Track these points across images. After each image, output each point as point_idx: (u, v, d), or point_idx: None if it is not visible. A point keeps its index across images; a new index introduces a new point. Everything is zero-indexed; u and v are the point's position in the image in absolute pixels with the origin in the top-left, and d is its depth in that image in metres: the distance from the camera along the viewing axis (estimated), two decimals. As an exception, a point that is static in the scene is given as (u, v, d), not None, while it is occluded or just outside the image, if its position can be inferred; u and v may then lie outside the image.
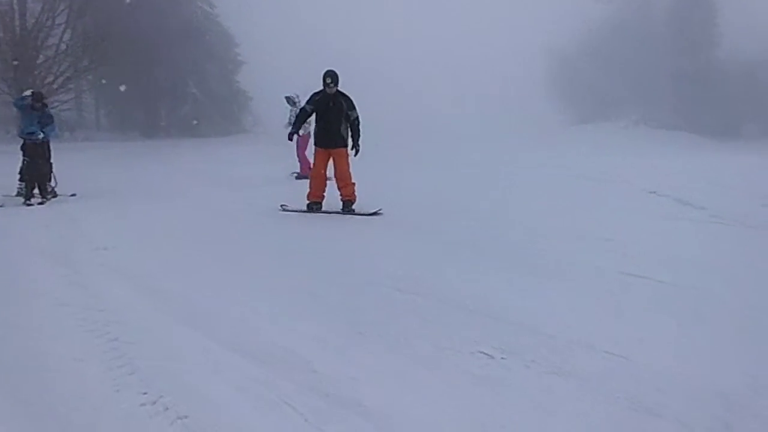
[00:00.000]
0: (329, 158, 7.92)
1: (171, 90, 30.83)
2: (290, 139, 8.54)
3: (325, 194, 8.04)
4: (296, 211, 7.94)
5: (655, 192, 8.87)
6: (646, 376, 3.38)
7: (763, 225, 6.94)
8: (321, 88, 7.82)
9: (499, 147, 19.26)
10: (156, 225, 7.56)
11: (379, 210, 7.61)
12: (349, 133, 7.91)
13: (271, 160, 14.41)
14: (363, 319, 4.12)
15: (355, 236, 6.79)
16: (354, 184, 7.87)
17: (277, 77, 32.16)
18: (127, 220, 7.88)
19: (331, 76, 7.72)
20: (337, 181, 7.91)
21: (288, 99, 12.80)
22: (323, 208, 7.99)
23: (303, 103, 8.22)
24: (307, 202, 7.95)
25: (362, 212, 7.66)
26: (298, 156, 12.37)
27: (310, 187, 7.99)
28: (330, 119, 7.79)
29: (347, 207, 7.83)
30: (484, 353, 3.53)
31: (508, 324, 4.02)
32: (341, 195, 7.89)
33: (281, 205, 8.05)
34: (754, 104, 29.10)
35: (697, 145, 23.86)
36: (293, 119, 12.53)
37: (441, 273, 5.21)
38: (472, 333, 3.85)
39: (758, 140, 25.67)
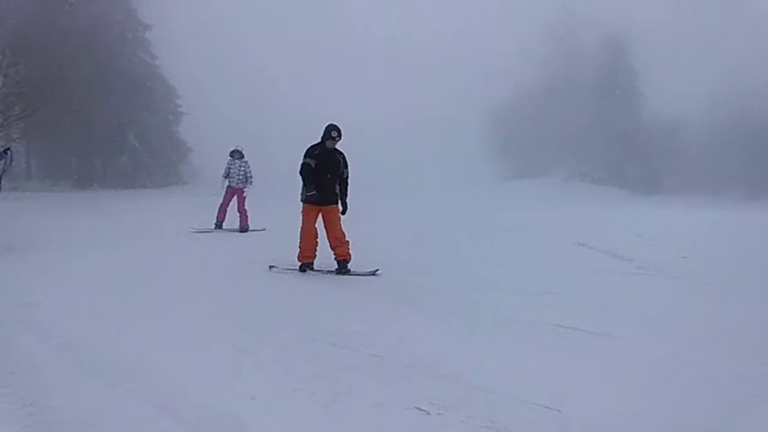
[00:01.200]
0: (318, 215, 7.43)
1: (108, 140, 30.21)
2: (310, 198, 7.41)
3: (317, 253, 7.52)
4: (285, 271, 7.40)
5: (584, 244, 9.22)
6: (578, 428, 3.44)
7: (683, 275, 7.30)
8: (318, 141, 7.39)
9: (440, 203, 19.65)
10: (85, 279, 7.25)
11: (377, 270, 7.23)
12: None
13: (205, 211, 14.15)
14: (297, 376, 4.04)
15: (294, 291, 6.72)
16: (348, 242, 7.38)
17: (219, 128, 32.09)
18: (56, 275, 7.53)
19: (337, 130, 7.29)
20: (330, 241, 7.40)
21: (235, 152, 12.65)
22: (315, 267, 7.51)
23: (304, 160, 7.37)
24: (300, 263, 7.43)
25: (359, 272, 7.23)
26: (239, 209, 12.26)
27: (302, 247, 7.40)
28: (328, 176, 7.33)
29: (343, 267, 7.33)
30: (421, 409, 3.51)
31: (444, 379, 4.03)
32: (336, 255, 7.39)
33: (270, 267, 7.47)
34: (675, 161, 31.18)
35: (624, 198, 25.10)
36: (230, 172, 12.51)
37: (380, 328, 5.20)
38: (408, 388, 3.83)
39: (679, 193, 27.41)
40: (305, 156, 7.35)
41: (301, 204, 7.46)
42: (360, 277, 7.15)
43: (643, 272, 7.57)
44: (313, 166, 7.25)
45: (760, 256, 8.91)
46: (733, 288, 7.05)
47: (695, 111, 32.01)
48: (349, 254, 7.36)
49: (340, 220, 7.39)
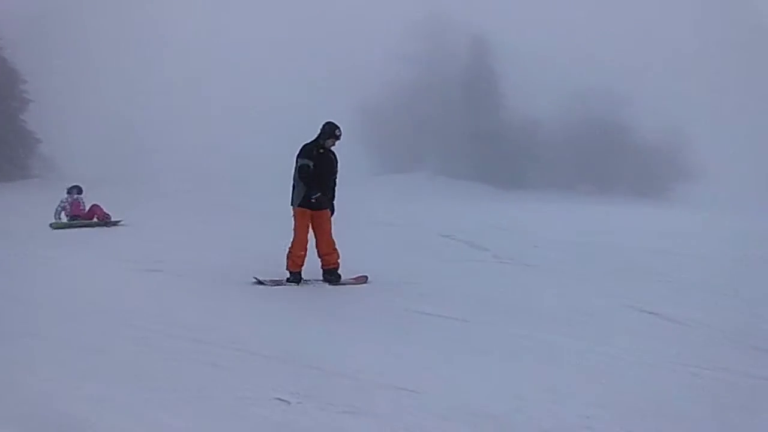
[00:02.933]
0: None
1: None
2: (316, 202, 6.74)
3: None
4: (273, 283, 6.64)
5: (449, 236, 9.70)
6: (434, 406, 3.63)
7: (535, 264, 7.92)
8: (313, 140, 6.77)
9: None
10: None
11: (365, 276, 6.91)
12: None
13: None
14: (155, 374, 3.90)
15: (144, 289, 6.43)
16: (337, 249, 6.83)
17: (73, 118, 29.75)
18: None
19: (340, 130, 6.76)
20: (321, 248, 6.77)
21: (74, 188, 11.82)
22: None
23: (301, 161, 6.67)
24: (290, 272, 6.73)
25: (349, 280, 6.80)
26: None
27: (294, 254, 6.68)
28: (326, 178, 6.78)
29: (333, 275, 6.77)
30: (281, 399, 3.52)
31: (307, 368, 4.07)
32: (325, 263, 6.76)
33: (255, 278, 6.66)
34: (534, 158, 33.55)
35: (487, 193, 26.59)
36: (64, 208, 11.50)
37: (237, 321, 5.13)
38: (270, 380, 3.83)
39: (539, 189, 29.63)
40: (302, 157, 6.66)
41: (291, 208, 6.82)
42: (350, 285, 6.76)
43: (499, 261, 8.11)
44: (312, 167, 6.61)
45: (602, 244, 9.82)
46: (578, 272, 7.75)
47: (552, 112, 34.66)
48: (338, 261, 6.82)
49: (331, 226, 6.83)
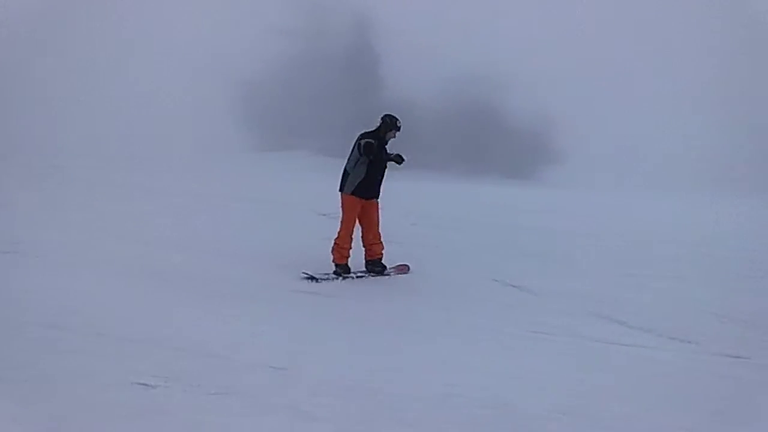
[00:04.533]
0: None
1: None
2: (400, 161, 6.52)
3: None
4: (323, 278, 6.31)
5: (325, 214, 9.72)
6: (304, 382, 3.69)
7: (411, 241, 8.18)
8: (373, 129, 6.48)
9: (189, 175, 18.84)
10: None
11: (406, 265, 6.79)
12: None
13: None
14: (6, 364, 3.62)
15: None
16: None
17: None
18: None
19: (401, 121, 6.55)
20: (368, 238, 6.61)
21: None
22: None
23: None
24: (337, 264, 6.46)
25: (391, 270, 6.69)
26: None
27: (341, 245, 6.46)
28: (382, 168, 6.53)
29: (378, 266, 6.63)
30: (144, 384, 3.41)
31: (174, 350, 3.97)
32: (372, 253, 6.62)
33: (304, 273, 6.25)
34: (414, 140, 34.21)
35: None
36: None
37: (101, 305, 4.87)
38: (134, 364, 3.69)
39: (417, 169, 30.35)
40: (368, 137, 6.39)
41: (340, 195, 6.58)
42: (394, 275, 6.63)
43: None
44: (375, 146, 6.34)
45: (474, 222, 10.23)
46: (451, 248, 8.09)
47: (430, 94, 35.57)
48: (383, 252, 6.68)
49: (379, 215, 6.67)
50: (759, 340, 5.14)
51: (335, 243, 6.44)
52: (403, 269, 6.81)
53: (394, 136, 6.54)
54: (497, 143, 36.84)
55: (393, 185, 15.33)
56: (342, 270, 6.41)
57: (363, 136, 6.47)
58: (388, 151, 6.50)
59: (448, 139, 35.02)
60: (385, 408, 3.41)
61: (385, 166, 6.52)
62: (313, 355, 4.20)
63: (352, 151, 6.56)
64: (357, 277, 6.50)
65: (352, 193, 6.46)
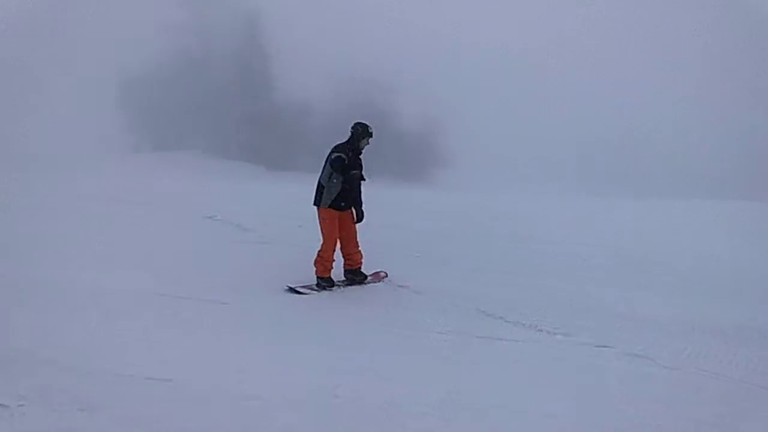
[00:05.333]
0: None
1: None
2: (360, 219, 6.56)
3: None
4: (306, 290, 6.22)
5: (213, 217, 9.46)
6: (187, 393, 3.55)
7: (300, 243, 8.12)
8: (346, 140, 6.46)
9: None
10: None
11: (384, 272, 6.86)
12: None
13: None
14: None
15: None
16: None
17: None
18: None
19: (372, 127, 6.53)
20: (348, 248, 6.61)
21: None
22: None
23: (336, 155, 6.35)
24: (321, 278, 6.42)
25: (370, 276, 6.74)
26: None
27: (325, 258, 6.43)
28: (357, 180, 6.51)
29: (358, 275, 6.67)
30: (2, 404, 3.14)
31: (40, 365, 3.69)
32: (350, 263, 6.66)
33: (288, 287, 6.18)
34: (305, 142, 34.07)
35: (257, 175, 26.39)
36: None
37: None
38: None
39: (309, 171, 30.18)
40: (338, 150, 6.36)
41: (316, 209, 6.47)
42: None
43: (264, 242, 8.16)
44: (346, 161, 6.32)
45: (363, 224, 10.31)
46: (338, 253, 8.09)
47: (322, 96, 35.45)
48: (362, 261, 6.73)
49: (356, 226, 6.62)
50: (623, 330, 5.55)
51: (319, 256, 6.44)
52: (381, 276, 6.88)
53: (368, 143, 6.55)
54: (389, 146, 37.40)
55: (283, 188, 15.16)
56: (326, 282, 6.42)
57: (336, 148, 6.46)
58: (361, 162, 6.54)
59: (339, 141, 35.08)
60: (266, 412, 3.36)
61: (362, 178, 6.56)
62: (198, 363, 4.06)
63: (325, 164, 6.51)
64: (341, 287, 6.52)
65: (330, 207, 6.42)
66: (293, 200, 12.09)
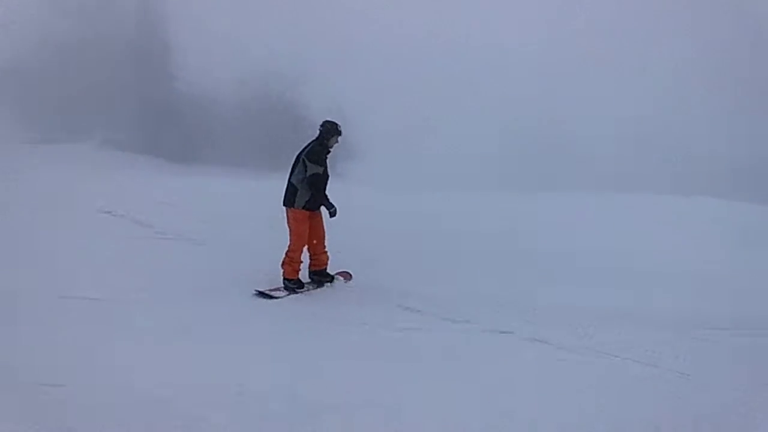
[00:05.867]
0: None
1: None
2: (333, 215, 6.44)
3: None
4: (278, 294, 6.11)
5: (110, 212, 8.96)
6: (80, 402, 3.36)
7: (203, 239, 7.86)
8: (316, 139, 6.44)
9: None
10: None
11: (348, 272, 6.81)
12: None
13: None
14: None
15: None
16: None
17: None
18: None
19: (340, 125, 6.53)
20: (316, 247, 6.53)
21: None
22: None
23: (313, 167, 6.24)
24: (289, 279, 6.31)
25: (337, 275, 6.72)
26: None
27: (296, 259, 6.34)
28: (327, 182, 6.49)
29: (325, 276, 6.60)
30: None
31: None
32: (317, 264, 6.57)
33: (257, 291, 6.06)
34: (210, 134, 32.99)
35: (159, 168, 25.23)
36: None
37: None
38: None
39: (214, 164, 29.26)
40: (315, 163, 6.27)
41: (286, 210, 6.36)
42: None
43: (165, 237, 7.84)
44: (322, 174, 6.31)
45: (273, 218, 10.02)
46: (250, 247, 7.82)
47: (228, 88, 34.51)
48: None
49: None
50: (524, 318, 5.80)
51: (287, 257, 6.33)
52: (346, 276, 6.79)
53: (337, 141, 6.56)
54: (296, 139, 36.87)
55: (186, 182, 14.62)
56: (295, 285, 6.33)
57: (312, 150, 6.36)
58: (327, 160, 6.48)
59: (245, 134, 34.27)
60: (175, 410, 3.25)
61: (328, 176, 6.48)
62: (91, 367, 3.85)
63: (296, 164, 6.39)
64: (310, 289, 6.43)
65: (303, 208, 6.37)
66: (195, 195, 11.69)
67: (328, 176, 6.44)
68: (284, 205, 6.40)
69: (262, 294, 6.04)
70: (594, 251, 9.15)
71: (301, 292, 6.32)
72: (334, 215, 6.41)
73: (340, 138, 6.56)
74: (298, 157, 6.43)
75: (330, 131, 6.45)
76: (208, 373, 3.90)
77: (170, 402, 3.43)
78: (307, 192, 6.31)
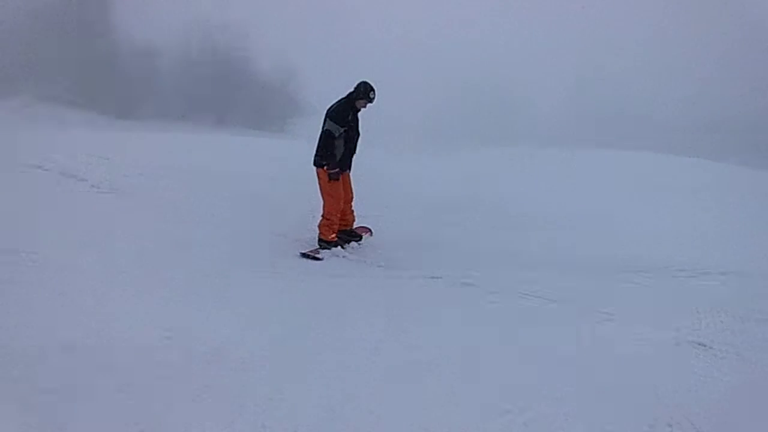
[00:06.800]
0: None
1: None
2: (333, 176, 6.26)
3: None
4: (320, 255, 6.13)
5: (40, 166, 8.66)
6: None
7: (135, 193, 7.72)
8: (344, 98, 6.21)
9: None
10: None
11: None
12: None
13: None
14: None
15: None
16: None
17: None
18: None
19: (375, 92, 6.18)
20: (345, 207, 6.53)
21: None
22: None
23: (331, 125, 6.09)
24: (327, 242, 6.33)
25: (360, 229, 6.87)
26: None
27: (333, 220, 6.33)
28: (354, 142, 6.40)
29: (354, 234, 6.67)
30: None
31: None
32: (346, 223, 6.61)
33: (301, 253, 6.11)
34: (149, 88, 31.89)
35: (96, 122, 24.39)
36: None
37: None
38: None
39: (155, 118, 28.39)
40: (334, 120, 6.09)
41: (316, 170, 6.27)
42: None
43: (97, 190, 7.67)
44: (337, 135, 6.10)
45: (216, 173, 9.84)
46: (188, 201, 7.74)
47: (169, 39, 33.15)
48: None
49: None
50: (454, 264, 6.02)
51: (324, 218, 6.31)
52: (367, 231, 6.86)
53: (365, 106, 6.29)
54: (243, 94, 36.19)
55: (125, 135, 14.17)
56: (336, 245, 6.33)
57: (337, 109, 6.19)
58: (358, 120, 6.36)
59: (191, 88, 33.32)
60: (100, 362, 3.28)
61: (359, 135, 6.39)
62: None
63: (324, 122, 6.23)
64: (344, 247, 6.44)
65: (340, 169, 6.32)
66: (134, 149, 11.37)
67: (347, 137, 6.26)
68: (314, 165, 6.30)
69: (305, 255, 6.07)
70: (517, 199, 9.46)
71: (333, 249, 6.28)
72: (332, 178, 6.21)
73: (369, 104, 6.29)
74: (325, 117, 6.29)
75: (360, 93, 6.19)
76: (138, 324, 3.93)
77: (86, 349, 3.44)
78: (339, 151, 6.23)
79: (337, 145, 6.20)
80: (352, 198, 6.62)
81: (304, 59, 36.84)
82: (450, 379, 3.57)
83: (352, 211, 6.67)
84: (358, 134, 6.45)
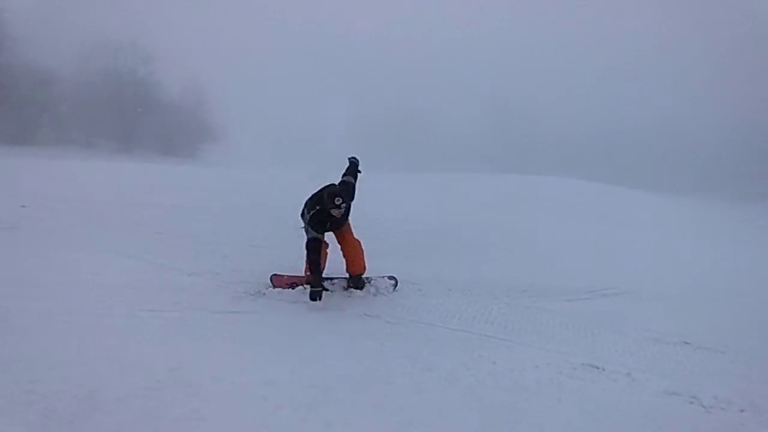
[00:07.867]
0: None
1: None
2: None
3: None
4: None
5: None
6: None
7: (15, 226, 7.17)
8: (317, 206, 5.85)
9: None
10: None
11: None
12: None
13: None
14: None
15: None
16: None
17: None
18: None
19: (340, 198, 5.78)
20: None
21: None
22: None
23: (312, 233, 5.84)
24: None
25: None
26: None
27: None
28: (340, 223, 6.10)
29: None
30: None
31: None
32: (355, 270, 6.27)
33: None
34: (48, 113, 30.31)
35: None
36: None
37: None
38: None
39: (54, 145, 26.88)
40: (313, 229, 5.82)
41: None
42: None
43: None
44: (321, 237, 5.86)
45: (100, 202, 9.30)
46: (72, 231, 7.24)
47: (68, 63, 31.63)
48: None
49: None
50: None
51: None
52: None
53: (340, 209, 5.81)
54: (149, 118, 34.92)
55: (16, 163, 13.17)
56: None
57: (314, 213, 5.83)
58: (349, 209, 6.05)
59: (93, 112, 31.93)
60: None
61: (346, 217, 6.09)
62: None
63: (306, 205, 6.01)
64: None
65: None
66: (24, 177, 10.58)
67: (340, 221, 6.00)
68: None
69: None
70: (435, 225, 9.56)
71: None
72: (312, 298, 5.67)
73: (340, 211, 5.83)
74: (310, 198, 5.99)
75: (329, 204, 5.78)
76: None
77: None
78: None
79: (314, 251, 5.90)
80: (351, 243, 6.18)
81: (216, 81, 36.09)
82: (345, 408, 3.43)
83: (359, 258, 6.19)
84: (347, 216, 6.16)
